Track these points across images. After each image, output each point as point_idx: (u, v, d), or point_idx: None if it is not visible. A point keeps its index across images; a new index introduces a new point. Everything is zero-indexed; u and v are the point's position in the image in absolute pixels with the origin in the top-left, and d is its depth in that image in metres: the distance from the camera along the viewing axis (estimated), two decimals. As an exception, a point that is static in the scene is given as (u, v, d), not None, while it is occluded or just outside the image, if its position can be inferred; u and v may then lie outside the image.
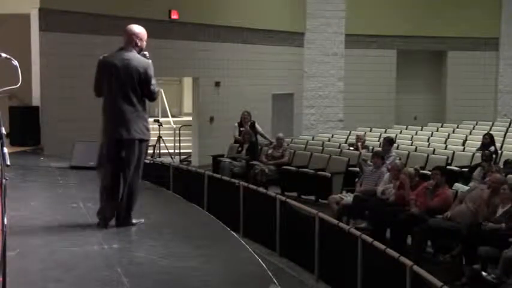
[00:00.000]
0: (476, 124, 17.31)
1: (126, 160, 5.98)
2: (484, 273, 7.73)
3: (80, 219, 6.50)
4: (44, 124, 12.58)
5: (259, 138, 14.90)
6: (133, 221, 6.16)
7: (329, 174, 12.37)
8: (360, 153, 13.19)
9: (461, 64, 20.54)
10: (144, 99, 6.01)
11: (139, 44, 6.03)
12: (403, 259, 6.04)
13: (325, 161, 13.14)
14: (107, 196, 6.06)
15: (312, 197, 12.55)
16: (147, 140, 6.13)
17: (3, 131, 3.57)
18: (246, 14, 17.39)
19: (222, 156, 14.42)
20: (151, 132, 6.88)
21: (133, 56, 5.96)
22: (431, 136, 16.02)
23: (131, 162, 5.97)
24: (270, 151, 13.81)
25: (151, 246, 5.53)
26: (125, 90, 5.91)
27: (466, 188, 9.69)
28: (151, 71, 5.95)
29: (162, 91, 19.21)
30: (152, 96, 6.05)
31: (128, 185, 6.03)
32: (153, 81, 5.98)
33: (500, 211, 7.98)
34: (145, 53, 6.07)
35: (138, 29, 6.09)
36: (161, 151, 16.68)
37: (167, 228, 6.36)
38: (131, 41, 6.01)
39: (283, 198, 8.84)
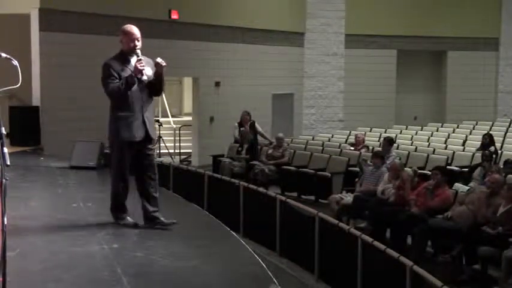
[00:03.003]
0: (476, 124, 17.31)
1: None
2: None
3: (80, 219, 6.51)
4: (44, 124, 12.57)
5: (259, 138, 14.90)
6: (121, 221, 6.19)
7: (329, 174, 12.36)
8: (360, 153, 13.20)
9: (461, 64, 20.55)
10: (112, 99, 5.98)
11: (121, 43, 6.01)
12: (403, 259, 6.04)
13: (325, 161, 13.14)
14: None
15: (312, 197, 12.54)
16: (118, 141, 6.00)
17: (3, 131, 3.56)
18: (246, 14, 17.39)
19: (222, 156, 14.42)
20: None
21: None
22: (431, 136, 16.02)
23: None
24: (270, 151, 13.81)
25: (151, 246, 5.54)
26: None
27: (466, 188, 9.69)
28: (103, 72, 5.91)
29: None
30: (108, 96, 5.93)
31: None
32: (105, 81, 5.88)
33: (501, 209, 7.99)
34: (138, 51, 5.94)
35: (123, 28, 6.06)
36: (161, 151, 16.68)
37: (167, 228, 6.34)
38: None
39: (283, 198, 8.84)
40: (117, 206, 6.18)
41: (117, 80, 5.86)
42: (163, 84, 6.08)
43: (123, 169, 6.08)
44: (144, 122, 5.99)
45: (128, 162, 6.07)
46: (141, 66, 5.86)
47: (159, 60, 5.92)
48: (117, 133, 5.96)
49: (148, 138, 6.08)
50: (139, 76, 5.90)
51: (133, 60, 5.95)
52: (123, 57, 6.00)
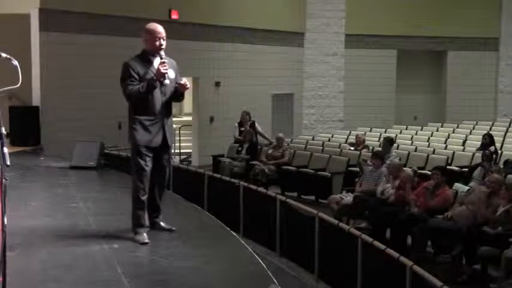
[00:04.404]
0: (476, 124, 17.30)
1: None
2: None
3: (80, 219, 6.51)
4: (44, 124, 12.58)
5: (259, 138, 14.90)
6: (135, 236, 5.68)
7: (329, 174, 12.36)
8: (360, 153, 13.19)
9: (461, 64, 20.55)
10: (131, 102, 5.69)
11: (145, 43, 5.76)
12: (403, 259, 6.03)
13: (325, 161, 13.14)
14: None
15: (312, 197, 12.54)
16: (135, 145, 5.65)
17: (3, 131, 3.56)
18: (246, 14, 17.39)
19: (222, 156, 14.41)
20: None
21: None
22: (431, 136, 16.01)
23: None
24: (270, 151, 13.81)
25: (151, 246, 5.53)
26: None
27: (466, 188, 9.69)
28: (122, 72, 5.61)
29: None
30: (126, 98, 5.64)
31: None
32: (124, 82, 5.57)
33: (501, 209, 8.00)
34: (162, 52, 5.70)
35: (146, 26, 5.81)
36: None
37: (167, 228, 6.34)
38: None
39: (283, 198, 8.83)
40: (138, 220, 5.70)
41: (137, 82, 5.54)
42: (184, 96, 5.90)
43: (143, 176, 5.63)
44: (163, 127, 5.68)
45: (149, 169, 5.66)
46: (164, 69, 5.53)
47: (184, 82, 5.69)
48: (134, 137, 5.62)
49: (165, 145, 5.76)
50: (161, 80, 5.57)
51: (156, 61, 5.64)
52: (146, 57, 5.68)
